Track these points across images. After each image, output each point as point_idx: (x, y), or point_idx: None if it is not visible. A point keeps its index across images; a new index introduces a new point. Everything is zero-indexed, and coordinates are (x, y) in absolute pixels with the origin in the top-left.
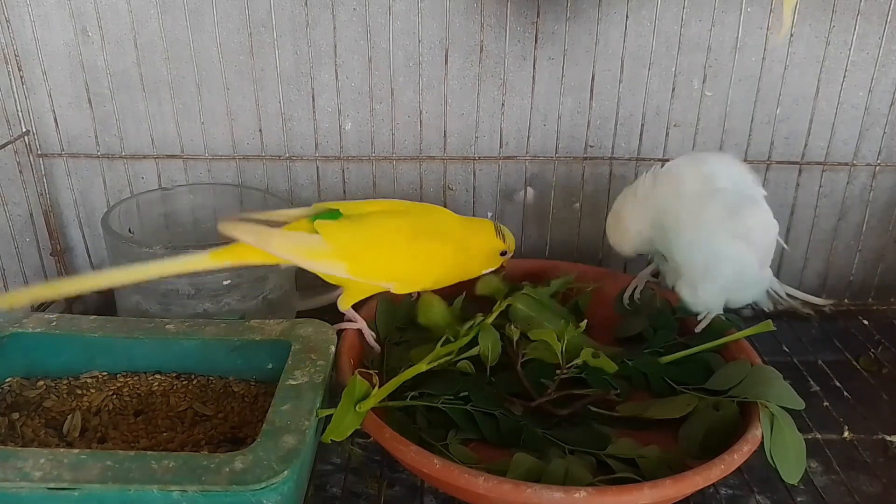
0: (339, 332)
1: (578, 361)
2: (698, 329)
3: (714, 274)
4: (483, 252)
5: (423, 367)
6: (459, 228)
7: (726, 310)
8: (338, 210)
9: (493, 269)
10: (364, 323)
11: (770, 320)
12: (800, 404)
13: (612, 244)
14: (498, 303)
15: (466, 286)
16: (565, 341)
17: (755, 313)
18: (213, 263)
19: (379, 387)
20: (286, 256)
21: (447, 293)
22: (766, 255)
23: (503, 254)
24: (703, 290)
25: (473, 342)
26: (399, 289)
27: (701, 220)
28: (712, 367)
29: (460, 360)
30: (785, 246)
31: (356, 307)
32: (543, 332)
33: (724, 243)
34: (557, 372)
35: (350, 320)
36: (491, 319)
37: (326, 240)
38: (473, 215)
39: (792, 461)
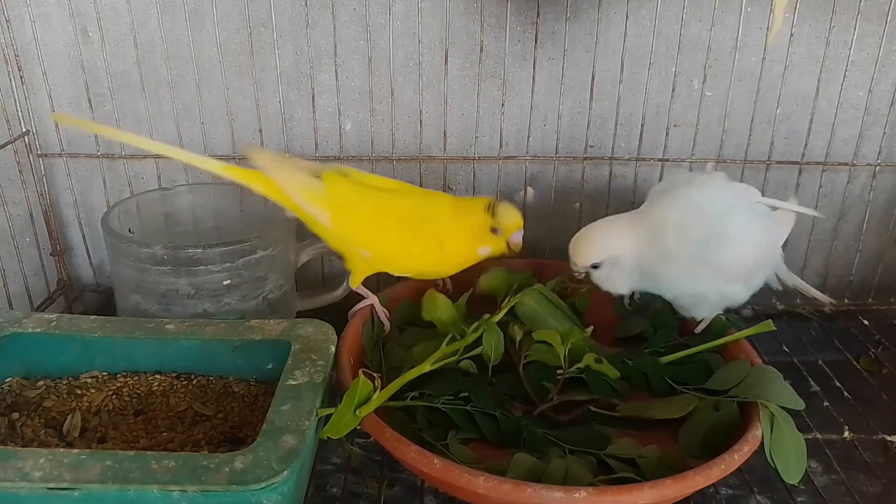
0: (353, 315)
1: (581, 365)
2: (698, 330)
3: (701, 303)
4: (470, 232)
5: (426, 367)
6: (452, 216)
7: (726, 309)
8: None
9: (490, 248)
10: (376, 298)
11: (770, 320)
12: (800, 404)
13: None
14: (507, 299)
15: (471, 282)
16: (568, 344)
17: (755, 313)
18: (224, 173)
19: (381, 388)
20: (284, 187)
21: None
22: (752, 272)
23: (494, 231)
24: (693, 313)
25: (478, 341)
26: (375, 262)
27: (681, 274)
28: (712, 367)
29: (463, 359)
30: (817, 214)
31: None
32: (547, 334)
33: (706, 286)
34: (559, 372)
35: (363, 296)
36: (498, 318)
37: (325, 186)
38: None
39: (792, 461)
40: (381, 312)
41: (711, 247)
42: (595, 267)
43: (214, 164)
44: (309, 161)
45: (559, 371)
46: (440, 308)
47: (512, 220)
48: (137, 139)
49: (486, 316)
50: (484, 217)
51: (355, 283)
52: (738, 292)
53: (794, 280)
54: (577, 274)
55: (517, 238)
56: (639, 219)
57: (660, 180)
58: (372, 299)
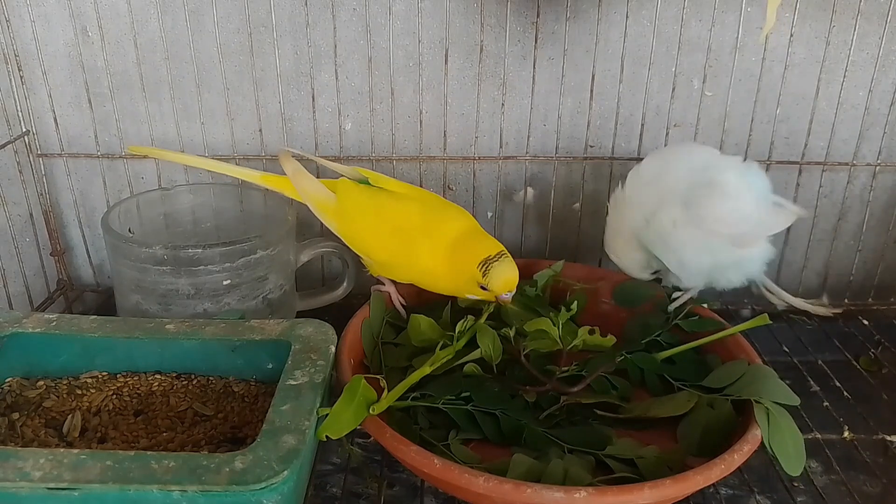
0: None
1: (577, 342)
2: (672, 307)
3: (685, 266)
4: (459, 278)
5: (426, 370)
6: (447, 257)
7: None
8: (367, 179)
9: (477, 297)
10: (393, 287)
11: (766, 314)
12: (794, 400)
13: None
14: (486, 306)
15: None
16: (560, 326)
17: (755, 313)
18: (261, 182)
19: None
20: (304, 199)
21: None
22: (739, 233)
23: (483, 287)
24: (685, 279)
25: (472, 343)
26: (378, 269)
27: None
28: (709, 364)
29: (466, 363)
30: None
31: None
32: (539, 322)
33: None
34: (560, 369)
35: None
36: (482, 320)
37: (337, 198)
38: (473, 215)
39: (792, 453)
40: (397, 301)
41: (695, 197)
42: None
43: (252, 176)
44: (335, 164)
45: (561, 369)
46: (424, 330)
47: (501, 283)
48: (200, 161)
49: (470, 318)
50: (475, 271)
51: (375, 271)
52: (725, 261)
53: (783, 296)
54: None
55: (506, 298)
56: None
57: None
58: (389, 287)
